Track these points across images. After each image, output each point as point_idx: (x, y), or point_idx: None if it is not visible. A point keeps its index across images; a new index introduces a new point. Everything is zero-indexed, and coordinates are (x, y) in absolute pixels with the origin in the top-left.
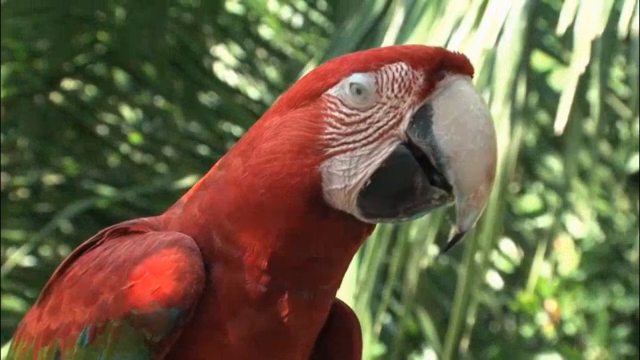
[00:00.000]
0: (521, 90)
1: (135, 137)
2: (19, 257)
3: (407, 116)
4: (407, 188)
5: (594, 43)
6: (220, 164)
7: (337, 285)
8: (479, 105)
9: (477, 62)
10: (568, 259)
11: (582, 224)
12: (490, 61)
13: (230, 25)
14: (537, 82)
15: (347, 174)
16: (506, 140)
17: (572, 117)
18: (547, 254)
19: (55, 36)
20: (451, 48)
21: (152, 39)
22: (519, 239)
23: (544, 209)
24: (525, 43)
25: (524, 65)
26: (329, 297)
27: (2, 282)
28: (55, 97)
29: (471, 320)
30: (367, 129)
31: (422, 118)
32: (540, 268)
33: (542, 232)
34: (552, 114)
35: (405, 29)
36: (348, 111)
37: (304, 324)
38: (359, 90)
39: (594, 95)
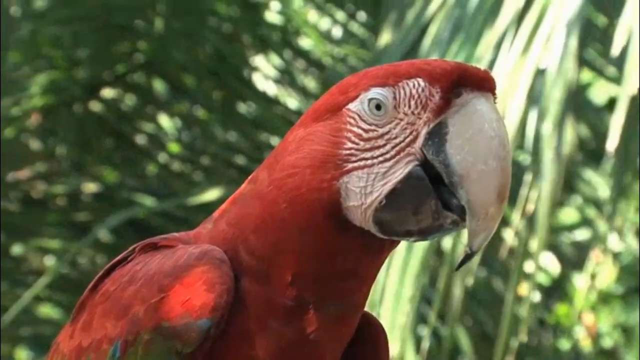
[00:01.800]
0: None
1: (173, 147)
2: (58, 266)
3: (423, 133)
4: (420, 211)
5: None
6: (251, 178)
7: (365, 298)
8: (494, 125)
9: (528, 81)
10: (606, 273)
11: (620, 238)
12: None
13: (269, 35)
14: (576, 95)
15: (363, 192)
16: (554, 161)
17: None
18: (585, 267)
19: (94, 45)
20: (499, 66)
21: (191, 48)
22: (557, 252)
23: (583, 222)
24: (576, 61)
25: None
26: (357, 311)
27: (40, 291)
28: (94, 106)
29: (515, 342)
30: (384, 145)
31: (437, 136)
32: (579, 281)
33: (581, 246)
34: (592, 127)
35: (451, 44)
36: (366, 127)
37: (331, 338)
38: (378, 106)
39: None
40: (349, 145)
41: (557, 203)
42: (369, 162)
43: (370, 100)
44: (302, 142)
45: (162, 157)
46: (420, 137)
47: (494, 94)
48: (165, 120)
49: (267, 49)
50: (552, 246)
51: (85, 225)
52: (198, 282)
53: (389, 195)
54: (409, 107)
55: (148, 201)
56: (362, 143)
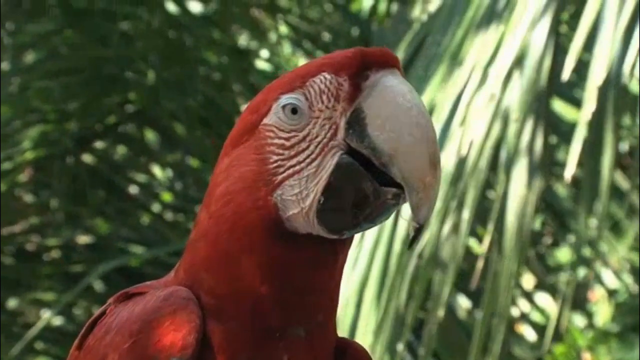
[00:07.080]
0: (539, 140)
1: (166, 196)
2: (52, 318)
3: (342, 124)
4: (360, 195)
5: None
6: (194, 222)
7: (331, 314)
8: (408, 97)
9: (485, 110)
10: (602, 311)
11: (615, 276)
12: (502, 110)
13: (259, 83)
14: (569, 135)
15: (299, 197)
16: (523, 191)
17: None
18: (582, 306)
19: (85, 97)
20: (465, 97)
21: (182, 97)
22: (553, 291)
23: (579, 261)
24: (538, 92)
25: (541, 115)
26: (326, 330)
27: (36, 343)
28: (86, 158)
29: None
30: (308, 146)
31: (356, 122)
32: (574, 320)
33: (578, 285)
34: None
35: (424, 80)
36: (286, 135)
37: None
38: (294, 110)
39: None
40: (274, 158)
41: (552, 242)
42: (297, 167)
43: (284, 107)
44: (228, 169)
45: (156, 207)
46: (340, 129)
47: (399, 69)
48: (157, 170)
49: None
50: (548, 286)
51: (79, 277)
52: (166, 322)
53: (325, 191)
54: (322, 102)
55: (141, 251)
56: (286, 152)
